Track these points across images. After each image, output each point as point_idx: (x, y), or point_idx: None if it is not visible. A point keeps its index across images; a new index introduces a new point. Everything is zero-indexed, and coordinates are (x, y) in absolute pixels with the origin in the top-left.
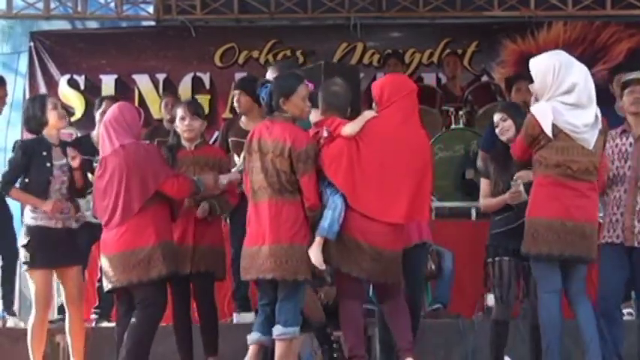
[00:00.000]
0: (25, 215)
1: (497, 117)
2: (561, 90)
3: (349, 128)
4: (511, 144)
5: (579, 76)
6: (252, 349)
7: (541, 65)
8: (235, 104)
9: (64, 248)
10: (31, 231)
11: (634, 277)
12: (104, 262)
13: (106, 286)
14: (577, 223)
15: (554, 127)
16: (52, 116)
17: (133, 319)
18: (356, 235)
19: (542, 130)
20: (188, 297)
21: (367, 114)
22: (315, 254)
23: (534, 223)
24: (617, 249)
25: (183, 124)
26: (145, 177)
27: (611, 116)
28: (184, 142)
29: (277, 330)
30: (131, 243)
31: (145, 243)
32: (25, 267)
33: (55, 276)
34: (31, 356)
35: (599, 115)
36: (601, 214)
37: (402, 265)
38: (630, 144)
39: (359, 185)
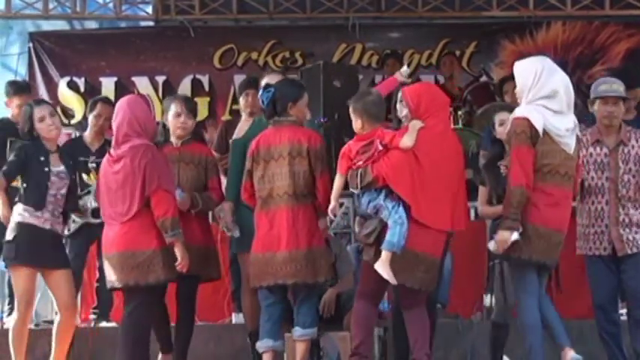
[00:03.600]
0: (14, 212)
1: (503, 116)
2: (541, 94)
3: (408, 141)
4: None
5: (561, 83)
6: (266, 357)
7: (524, 67)
8: (244, 103)
9: (48, 250)
10: (19, 227)
11: (622, 283)
12: (105, 261)
13: (108, 284)
14: (548, 229)
15: (543, 128)
16: (42, 129)
17: (125, 323)
18: (414, 246)
19: (534, 129)
20: (164, 292)
21: (416, 124)
22: (385, 270)
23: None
24: (604, 259)
25: (178, 120)
26: (144, 181)
27: None
28: (172, 138)
29: (298, 332)
30: (132, 244)
31: (147, 246)
32: (6, 263)
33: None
34: (12, 356)
35: (577, 121)
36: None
37: None
38: (605, 154)
39: (420, 195)
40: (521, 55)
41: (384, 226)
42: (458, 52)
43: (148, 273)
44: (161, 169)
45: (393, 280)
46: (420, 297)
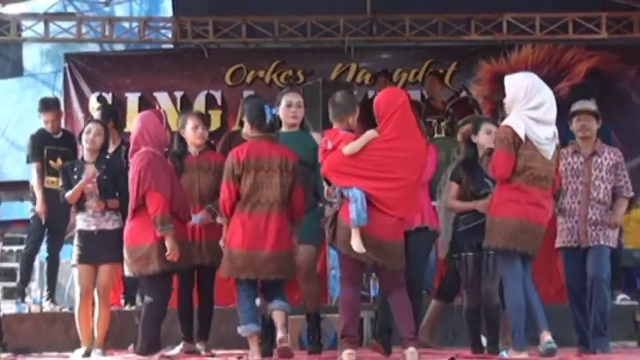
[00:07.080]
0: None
1: (490, 127)
2: (529, 105)
3: (348, 149)
4: (487, 162)
5: (547, 97)
6: (253, 341)
7: (516, 82)
8: None
9: (97, 248)
10: (77, 233)
11: (586, 272)
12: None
13: (125, 273)
14: (531, 223)
15: (525, 135)
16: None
17: (143, 307)
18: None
19: (518, 137)
20: (192, 286)
21: (369, 134)
22: (357, 244)
23: (496, 221)
24: (575, 251)
25: (196, 132)
26: (139, 182)
27: (569, 130)
28: (191, 149)
29: (278, 304)
30: (135, 239)
31: (145, 241)
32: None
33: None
34: (79, 334)
35: (557, 132)
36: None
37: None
38: (581, 162)
39: (371, 185)
40: (497, 74)
41: (336, 213)
42: (441, 71)
43: (147, 264)
44: (155, 172)
45: (362, 251)
46: (395, 279)
